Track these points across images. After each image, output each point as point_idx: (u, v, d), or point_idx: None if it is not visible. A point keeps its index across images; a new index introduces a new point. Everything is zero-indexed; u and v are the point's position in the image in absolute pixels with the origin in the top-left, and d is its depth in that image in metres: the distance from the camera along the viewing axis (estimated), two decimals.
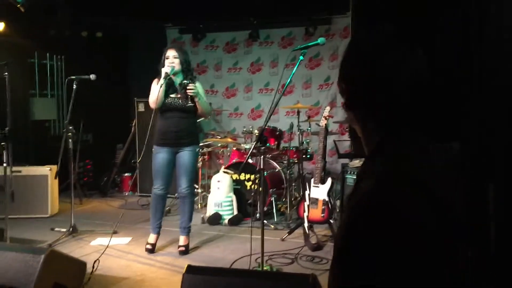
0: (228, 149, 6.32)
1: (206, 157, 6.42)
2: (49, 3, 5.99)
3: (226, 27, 7.53)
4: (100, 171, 7.29)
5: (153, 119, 4.19)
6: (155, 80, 4.19)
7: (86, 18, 6.96)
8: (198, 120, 4.36)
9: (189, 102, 4.13)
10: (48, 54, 7.26)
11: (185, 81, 4.09)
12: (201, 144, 6.32)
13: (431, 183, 0.91)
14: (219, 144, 6.31)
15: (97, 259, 3.72)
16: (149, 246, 4.31)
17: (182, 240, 4.36)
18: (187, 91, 4.06)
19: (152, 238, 4.35)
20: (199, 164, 6.05)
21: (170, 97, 4.16)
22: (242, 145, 5.96)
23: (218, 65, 7.71)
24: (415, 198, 0.87)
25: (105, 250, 4.01)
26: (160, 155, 4.20)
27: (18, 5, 4.90)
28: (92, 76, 4.72)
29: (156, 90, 4.07)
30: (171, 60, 4.11)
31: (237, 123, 7.50)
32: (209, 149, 6.43)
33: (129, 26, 7.48)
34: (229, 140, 6.03)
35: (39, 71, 7.18)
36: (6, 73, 4.01)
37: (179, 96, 4.16)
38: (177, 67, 4.13)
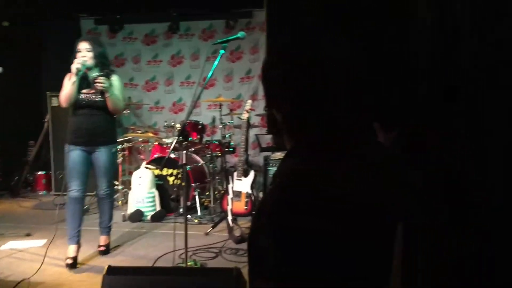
0: (150, 144, 6.18)
1: (126, 152, 6.24)
2: None
3: (144, 19, 7.31)
4: (10, 170, 6.82)
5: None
6: (67, 75, 3.82)
7: None
8: (114, 116, 4.08)
9: (99, 97, 3.80)
10: None
11: (95, 74, 3.76)
12: (121, 139, 6.14)
13: (333, 188, 0.91)
14: (140, 139, 6.15)
15: None
16: (69, 261, 3.80)
17: (102, 239, 4.17)
18: (96, 84, 3.73)
19: (71, 250, 3.86)
20: (119, 160, 5.86)
21: (83, 92, 3.82)
22: (163, 139, 5.85)
23: (137, 58, 7.47)
24: (305, 200, 0.88)
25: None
26: (73, 153, 3.84)
27: None
28: None
29: (67, 89, 3.74)
30: (83, 54, 3.76)
31: (159, 117, 7.34)
32: (130, 145, 6.25)
33: (40, 15, 7.04)
34: (150, 134, 5.90)
35: None
36: None
37: (92, 91, 3.83)
38: (90, 61, 3.78)
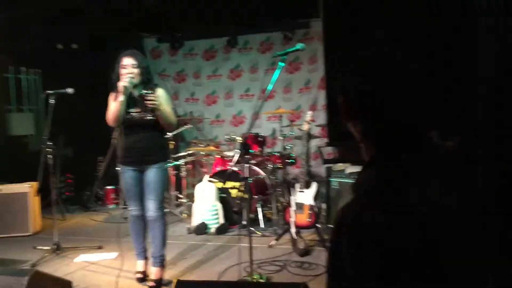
0: (211, 157, 6.27)
1: (189, 166, 6.38)
2: (20, 16, 5.87)
3: (204, 35, 7.50)
4: (82, 185, 7.17)
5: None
6: (112, 95, 3.61)
7: (61, 31, 6.85)
8: (166, 134, 3.93)
9: (149, 115, 3.56)
10: (23, 68, 7.13)
11: (144, 92, 3.51)
12: (183, 154, 6.29)
13: (413, 206, 0.89)
14: (202, 153, 6.26)
15: None
16: (139, 275, 3.82)
17: (153, 272, 3.76)
18: (146, 102, 3.47)
19: (140, 265, 3.87)
20: (183, 174, 6.00)
21: (129, 112, 3.58)
22: (225, 152, 5.93)
23: (197, 73, 7.66)
24: (385, 219, 0.87)
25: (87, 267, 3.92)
26: (126, 174, 3.68)
27: None
28: (70, 90, 4.62)
29: (114, 108, 3.52)
30: (129, 70, 3.53)
31: (219, 130, 7.46)
32: (192, 158, 6.38)
33: (105, 37, 7.39)
34: (212, 148, 6.00)
35: (15, 86, 7.05)
36: None
37: (139, 110, 3.58)
38: (136, 78, 3.55)
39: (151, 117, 3.55)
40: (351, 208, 0.94)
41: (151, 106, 3.47)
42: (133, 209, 3.78)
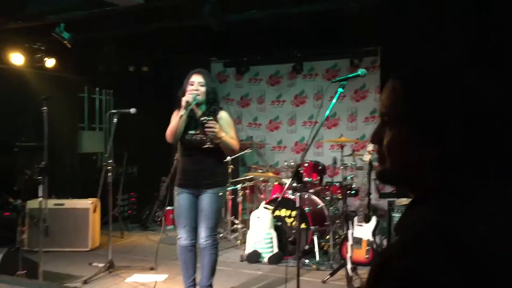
0: (270, 183, 6.15)
1: (247, 191, 6.29)
2: (96, 39, 6.16)
3: (269, 60, 7.50)
4: (144, 204, 7.30)
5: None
6: (175, 111, 3.58)
7: (133, 53, 7.12)
8: (230, 157, 3.77)
9: (208, 143, 3.43)
10: (97, 89, 7.48)
11: (204, 118, 3.39)
12: (242, 178, 6.21)
13: (487, 252, 0.70)
14: (261, 179, 6.16)
15: None
16: None
17: None
18: (206, 129, 3.37)
19: None
20: (239, 199, 5.92)
21: (189, 133, 3.51)
22: (283, 179, 5.78)
23: (261, 98, 7.64)
24: (454, 273, 0.68)
25: None
26: (181, 196, 3.57)
27: (65, 41, 5.04)
28: (132, 110, 4.72)
29: (174, 123, 3.48)
30: (196, 87, 3.47)
31: (281, 157, 7.34)
32: (251, 183, 6.29)
33: (174, 60, 7.59)
34: (270, 174, 5.88)
35: (89, 105, 7.39)
36: (45, 108, 4.00)
37: (199, 132, 3.49)
38: (201, 96, 3.48)
39: (209, 145, 3.43)
40: (397, 253, 0.74)
41: (211, 134, 3.38)
42: (182, 237, 3.60)
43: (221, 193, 3.65)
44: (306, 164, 5.54)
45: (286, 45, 6.89)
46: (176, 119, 3.48)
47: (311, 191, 5.54)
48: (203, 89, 3.50)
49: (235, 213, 6.25)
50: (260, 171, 6.26)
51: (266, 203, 5.38)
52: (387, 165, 0.86)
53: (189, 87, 3.50)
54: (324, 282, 4.38)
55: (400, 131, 0.83)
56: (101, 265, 4.72)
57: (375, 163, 5.19)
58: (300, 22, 5.98)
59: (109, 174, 4.72)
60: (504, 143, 0.78)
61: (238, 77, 7.79)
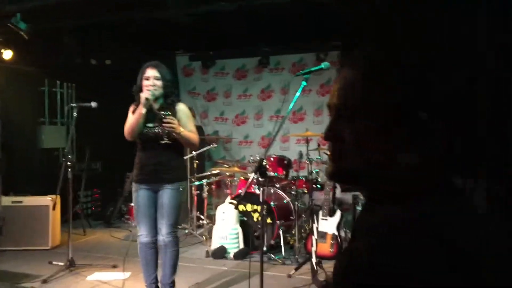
0: (236, 178, 6.11)
1: (213, 186, 6.23)
2: (55, 31, 5.96)
3: (236, 54, 7.43)
4: (108, 200, 7.14)
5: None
6: (131, 106, 3.50)
7: (95, 46, 6.93)
8: (196, 152, 3.69)
9: (165, 139, 3.33)
10: (58, 82, 7.24)
11: (162, 113, 3.30)
12: (207, 173, 6.14)
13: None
14: (227, 173, 6.11)
15: None
16: None
17: None
18: (164, 125, 3.29)
19: None
20: (205, 194, 5.85)
21: (147, 126, 3.40)
22: (249, 174, 5.75)
23: (227, 92, 7.58)
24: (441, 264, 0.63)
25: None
26: (140, 193, 3.45)
27: (21, 32, 4.84)
28: (93, 104, 4.59)
29: (132, 120, 3.38)
30: (152, 82, 3.36)
31: (247, 151, 7.30)
32: (217, 178, 6.23)
33: (139, 53, 7.44)
34: (236, 169, 5.83)
35: (49, 99, 7.15)
36: None
37: (156, 124, 3.39)
38: (159, 90, 3.39)
39: (167, 141, 3.34)
40: (381, 252, 0.67)
41: (168, 130, 3.30)
42: (142, 234, 3.50)
43: (181, 188, 3.55)
44: (272, 159, 5.51)
45: (252, 39, 6.84)
46: (135, 116, 3.37)
47: (277, 185, 5.53)
48: (159, 83, 3.39)
49: (200, 209, 6.19)
50: (226, 166, 6.20)
51: (231, 198, 5.33)
52: (347, 163, 0.77)
53: (145, 82, 3.39)
54: (289, 276, 4.37)
55: (369, 124, 0.75)
56: (61, 263, 4.59)
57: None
58: (267, 16, 5.94)
59: (69, 170, 4.58)
60: (488, 136, 0.74)
61: (204, 71, 7.70)
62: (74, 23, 6.07)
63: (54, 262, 4.69)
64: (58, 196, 5.27)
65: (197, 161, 6.06)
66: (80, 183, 6.61)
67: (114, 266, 4.67)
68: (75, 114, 4.58)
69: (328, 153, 0.83)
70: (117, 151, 7.14)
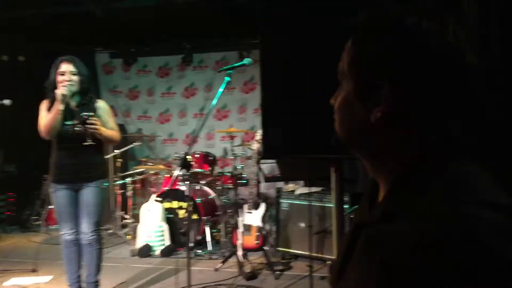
0: (161, 176, 6.06)
1: (138, 185, 6.13)
2: None
3: (158, 51, 7.36)
4: (24, 204, 6.78)
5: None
6: (44, 103, 3.34)
7: (7, 41, 6.56)
8: (119, 150, 3.59)
9: (89, 140, 3.23)
10: None
11: (85, 114, 3.20)
12: (132, 172, 6.05)
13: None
14: (152, 172, 6.04)
15: None
16: None
17: None
18: (87, 127, 3.20)
19: None
20: (129, 193, 5.76)
21: (65, 124, 3.27)
22: (174, 171, 5.73)
23: (150, 90, 7.49)
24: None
25: None
26: (59, 193, 3.32)
27: None
28: (6, 101, 4.33)
29: (50, 118, 3.22)
30: (68, 77, 3.23)
31: (172, 149, 7.26)
32: (141, 177, 6.15)
33: (55, 49, 7.14)
34: (161, 166, 5.80)
35: None
36: None
37: (75, 122, 3.26)
38: (75, 86, 3.26)
39: (90, 142, 3.23)
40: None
41: (92, 131, 3.21)
42: (66, 233, 3.39)
43: (103, 186, 3.48)
44: (197, 155, 5.54)
45: (174, 36, 6.82)
46: (52, 113, 3.22)
47: (202, 182, 5.57)
48: (75, 78, 3.28)
49: (124, 208, 6.07)
50: (150, 164, 6.14)
51: (157, 196, 5.29)
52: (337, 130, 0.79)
53: (60, 77, 3.25)
54: (216, 270, 4.43)
55: (346, 86, 0.75)
56: None
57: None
58: (189, 12, 5.95)
59: None
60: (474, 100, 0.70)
61: (125, 69, 7.54)
62: None
63: None
64: None
65: (120, 160, 5.94)
66: None
67: (34, 270, 4.47)
68: None
69: None
70: (32, 153, 6.82)
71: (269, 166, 5.54)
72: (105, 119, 3.41)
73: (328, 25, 1.61)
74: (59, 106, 3.19)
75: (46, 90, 3.35)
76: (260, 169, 5.00)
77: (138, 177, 6.05)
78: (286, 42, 1.82)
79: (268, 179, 5.39)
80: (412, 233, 0.59)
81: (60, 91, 3.19)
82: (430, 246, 0.57)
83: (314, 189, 4.55)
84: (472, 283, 0.54)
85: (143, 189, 6.46)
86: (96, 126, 3.22)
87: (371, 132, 0.72)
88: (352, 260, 0.75)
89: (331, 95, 0.83)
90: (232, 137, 5.69)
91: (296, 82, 1.74)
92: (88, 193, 3.35)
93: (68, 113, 3.29)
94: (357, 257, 0.73)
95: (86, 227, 3.38)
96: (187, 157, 3.07)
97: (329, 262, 1.08)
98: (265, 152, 1.80)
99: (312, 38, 1.69)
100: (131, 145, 6.12)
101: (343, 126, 0.78)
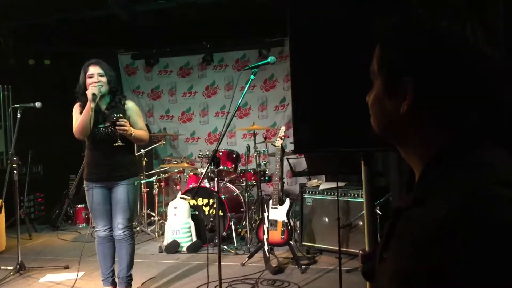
0: (185, 174, 6.17)
1: (163, 184, 6.26)
2: None
3: (179, 52, 7.47)
4: (52, 203, 6.97)
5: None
6: (76, 106, 3.49)
7: (33, 46, 6.74)
8: (145, 150, 3.70)
9: (119, 141, 3.36)
10: None
11: (115, 115, 3.32)
12: (157, 171, 6.18)
13: None
14: (176, 170, 6.16)
15: None
16: None
17: None
18: (117, 128, 3.32)
19: None
20: (155, 191, 5.88)
21: (98, 127, 3.43)
22: (198, 169, 5.84)
23: (172, 90, 7.60)
24: None
25: None
26: (94, 191, 3.47)
27: None
28: (38, 104, 4.50)
29: (82, 117, 3.35)
30: (96, 79, 3.36)
31: (194, 148, 7.38)
32: (166, 176, 6.27)
33: (79, 52, 7.30)
34: (185, 165, 5.90)
35: None
36: None
37: (107, 125, 3.43)
38: (105, 86, 3.40)
39: (120, 143, 3.37)
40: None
41: (121, 132, 3.34)
42: (100, 229, 3.56)
43: (135, 183, 3.62)
44: (221, 153, 5.63)
45: (195, 36, 6.91)
46: (84, 113, 3.35)
47: (226, 179, 5.67)
48: (103, 78, 3.40)
49: (151, 206, 6.21)
50: (174, 162, 6.26)
51: (182, 193, 5.40)
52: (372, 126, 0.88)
53: (89, 80, 3.39)
54: (243, 264, 4.53)
55: (377, 85, 0.85)
56: (10, 268, 4.48)
57: (286, 149, 5.43)
58: (208, 13, 6.05)
59: (15, 172, 4.46)
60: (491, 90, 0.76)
61: (147, 69, 7.67)
62: (10, 23, 5.90)
63: (2, 267, 4.58)
64: (1, 201, 5.12)
65: (145, 159, 6.07)
66: (23, 187, 6.41)
67: (66, 267, 4.63)
68: (19, 115, 4.47)
69: None
70: (57, 154, 7.00)
71: (294, 161, 5.60)
72: (134, 120, 3.53)
73: (360, 19, 1.65)
74: (90, 105, 3.31)
75: (77, 95, 3.48)
76: (289, 164, 5.06)
77: (163, 176, 6.17)
78: (316, 35, 1.86)
79: (296, 174, 5.46)
80: (439, 212, 0.66)
81: (91, 90, 3.32)
82: (455, 220, 0.64)
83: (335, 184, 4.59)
84: (489, 252, 0.61)
85: (167, 187, 6.59)
86: (126, 128, 3.33)
87: (402, 124, 0.81)
88: (391, 244, 0.82)
89: (361, 88, 0.93)
90: (254, 134, 5.76)
91: (327, 76, 1.80)
92: (121, 191, 3.48)
93: (99, 116, 3.43)
94: (394, 241, 0.80)
95: (120, 224, 3.51)
96: (216, 153, 3.14)
97: (360, 251, 1.12)
98: (297, 147, 1.86)
99: (344, 31, 1.73)
100: (156, 145, 6.25)
101: (377, 120, 0.87)
